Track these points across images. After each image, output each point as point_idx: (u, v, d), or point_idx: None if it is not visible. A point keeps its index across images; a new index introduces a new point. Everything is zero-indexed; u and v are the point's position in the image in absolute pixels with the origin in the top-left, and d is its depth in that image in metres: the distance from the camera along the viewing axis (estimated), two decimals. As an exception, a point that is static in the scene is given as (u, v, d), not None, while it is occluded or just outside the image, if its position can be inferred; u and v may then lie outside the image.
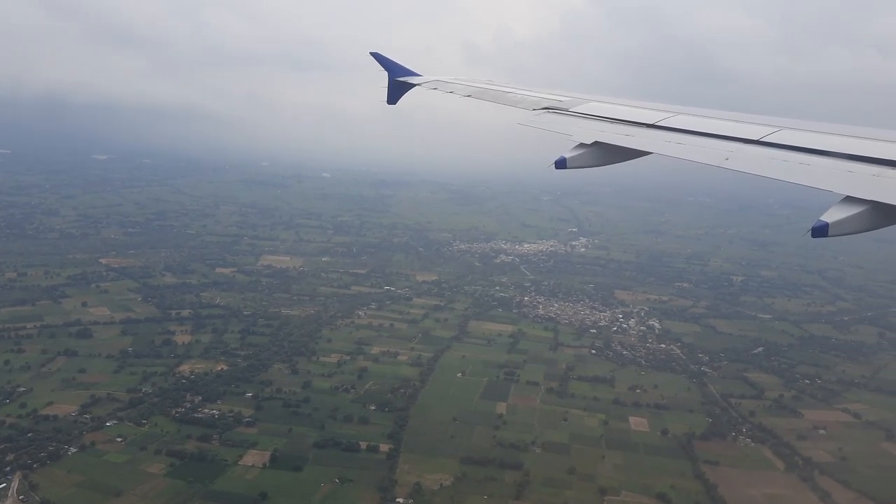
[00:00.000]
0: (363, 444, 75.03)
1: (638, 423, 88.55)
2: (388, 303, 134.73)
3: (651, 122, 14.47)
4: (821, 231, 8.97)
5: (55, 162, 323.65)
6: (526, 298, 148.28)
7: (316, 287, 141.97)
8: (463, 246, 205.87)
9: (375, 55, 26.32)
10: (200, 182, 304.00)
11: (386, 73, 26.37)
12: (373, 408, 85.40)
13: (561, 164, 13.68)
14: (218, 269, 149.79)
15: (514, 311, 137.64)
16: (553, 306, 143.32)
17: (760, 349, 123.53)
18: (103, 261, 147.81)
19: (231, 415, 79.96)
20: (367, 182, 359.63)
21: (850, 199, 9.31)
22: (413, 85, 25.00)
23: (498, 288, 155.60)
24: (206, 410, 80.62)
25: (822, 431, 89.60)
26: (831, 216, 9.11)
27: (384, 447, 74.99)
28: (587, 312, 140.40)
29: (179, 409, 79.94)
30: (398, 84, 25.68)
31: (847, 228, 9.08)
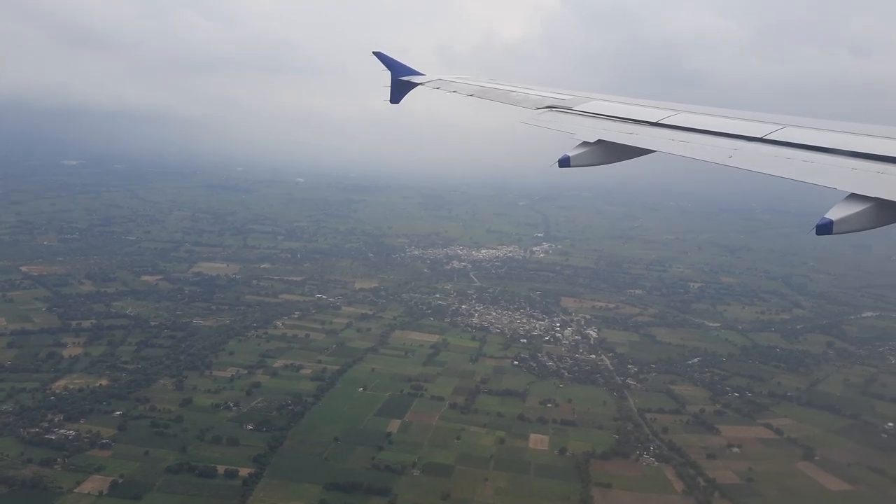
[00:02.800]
0: (221, 469, 69.40)
1: (538, 441, 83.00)
2: (313, 312, 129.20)
3: (654, 120, 14.33)
4: (825, 229, 8.90)
5: (20, 167, 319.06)
6: (464, 306, 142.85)
7: (241, 295, 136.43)
8: (416, 252, 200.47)
9: (378, 54, 26.00)
10: (165, 187, 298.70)
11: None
12: (250, 427, 79.78)
13: (564, 162, 13.54)
14: (143, 277, 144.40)
15: (446, 319, 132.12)
16: (490, 315, 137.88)
17: (696, 360, 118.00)
18: (24, 268, 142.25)
19: (88, 436, 74.32)
20: (340, 187, 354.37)
21: (854, 197, 9.28)
22: (416, 84, 24.79)
23: (438, 295, 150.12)
24: (63, 431, 74.97)
25: (735, 449, 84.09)
26: (835, 214, 9.04)
27: (244, 472, 69.34)
28: (524, 321, 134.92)
29: (32, 430, 74.28)
30: (401, 83, 25.39)
31: (851, 226, 9.02)
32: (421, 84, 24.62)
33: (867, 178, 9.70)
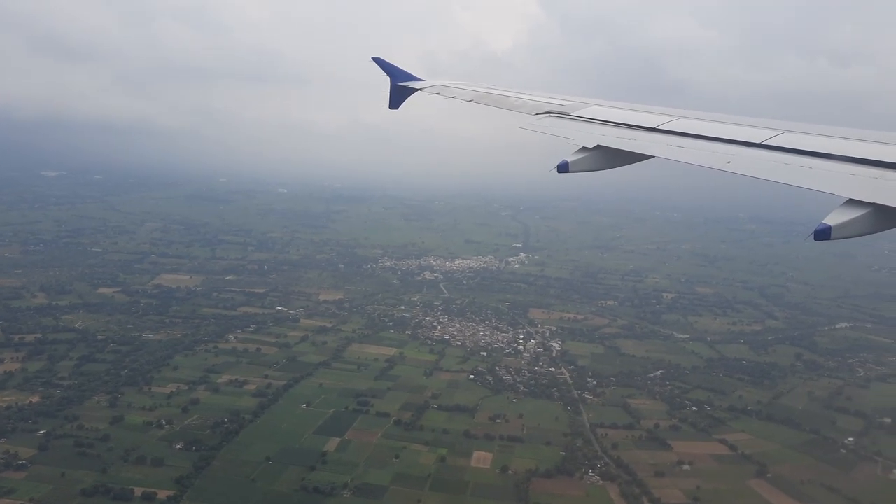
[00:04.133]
0: (139, 491, 66.38)
1: (481, 458, 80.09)
2: (270, 325, 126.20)
3: (653, 126, 14.38)
4: (823, 234, 8.94)
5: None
6: (427, 318, 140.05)
7: (198, 308, 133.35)
8: (389, 263, 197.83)
9: (377, 60, 26.21)
10: (143, 198, 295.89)
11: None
12: (179, 447, 76.77)
13: (563, 167, 13.60)
14: (100, 290, 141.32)
15: (407, 332, 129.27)
16: (454, 327, 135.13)
17: (659, 373, 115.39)
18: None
19: (5, 457, 71.18)
20: (323, 197, 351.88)
21: (852, 202, 9.36)
22: (415, 90, 24.83)
23: (403, 307, 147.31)
24: (-21, 451, 71.88)
25: (686, 466, 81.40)
26: (834, 219, 9.13)
27: (163, 494, 66.39)
28: (487, 333, 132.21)
29: (-54, 451, 71.22)
30: (400, 89, 25.50)
31: (849, 231, 9.07)
32: (420, 89, 24.51)
33: (865, 184, 9.73)
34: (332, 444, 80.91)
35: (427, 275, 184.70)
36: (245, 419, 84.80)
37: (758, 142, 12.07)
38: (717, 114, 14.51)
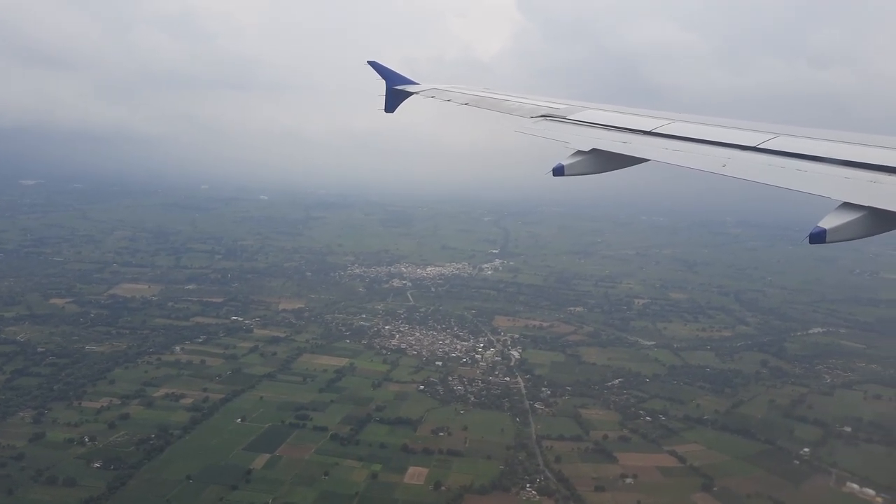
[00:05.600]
0: (42, 514, 63.25)
1: (415, 474, 76.94)
2: (221, 335, 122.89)
3: (648, 129, 14.39)
4: (818, 237, 8.98)
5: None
6: (387, 327, 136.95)
7: (149, 319, 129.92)
8: (358, 270, 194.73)
9: (373, 64, 25.95)
10: (118, 206, 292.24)
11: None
12: (97, 465, 73.50)
13: (559, 171, 13.62)
14: (52, 300, 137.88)
15: (363, 342, 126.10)
16: (412, 336, 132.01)
17: (617, 381, 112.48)
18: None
19: None
20: (304, 204, 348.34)
21: (847, 206, 9.37)
22: (410, 93, 24.72)
23: (364, 316, 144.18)
24: None
25: (629, 480, 78.38)
26: (829, 222, 9.12)
27: (68, 516, 63.24)
28: (447, 342, 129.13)
29: None
30: (395, 92, 25.37)
31: (844, 234, 9.10)
32: (416, 93, 24.40)
33: (860, 187, 9.74)
34: (260, 460, 77.68)
35: (395, 282, 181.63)
36: (174, 435, 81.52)
37: (753, 145, 12.02)
38: (712, 117, 14.49)
